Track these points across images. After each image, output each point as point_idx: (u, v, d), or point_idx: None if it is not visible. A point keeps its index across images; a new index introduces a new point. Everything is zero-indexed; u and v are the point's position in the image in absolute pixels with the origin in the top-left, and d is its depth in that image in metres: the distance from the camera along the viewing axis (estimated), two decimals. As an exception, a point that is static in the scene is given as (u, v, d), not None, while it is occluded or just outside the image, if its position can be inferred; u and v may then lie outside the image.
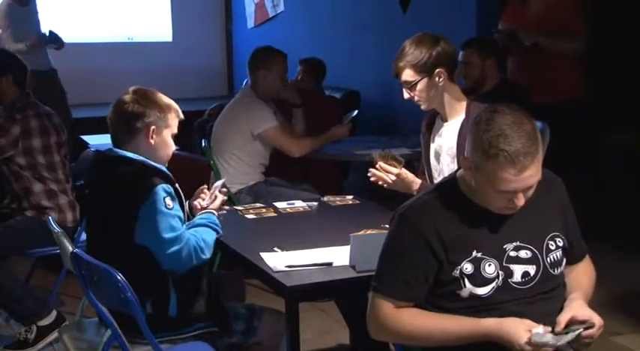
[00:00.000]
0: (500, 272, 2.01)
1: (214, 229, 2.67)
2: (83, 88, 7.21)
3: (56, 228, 2.65)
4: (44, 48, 6.39)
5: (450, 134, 2.94)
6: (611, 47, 5.49)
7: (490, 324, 1.94)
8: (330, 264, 2.46)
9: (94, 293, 2.47)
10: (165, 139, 2.62)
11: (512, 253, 2.03)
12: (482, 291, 2.00)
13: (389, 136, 4.62)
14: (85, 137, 5.73)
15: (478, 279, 2.00)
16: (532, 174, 1.93)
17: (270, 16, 8.35)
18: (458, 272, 1.99)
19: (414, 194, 2.96)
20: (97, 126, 6.55)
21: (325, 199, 3.40)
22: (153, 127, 2.57)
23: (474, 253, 2.00)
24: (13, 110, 3.68)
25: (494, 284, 2.00)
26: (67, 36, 6.51)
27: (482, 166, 1.93)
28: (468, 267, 1.99)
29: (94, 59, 7.71)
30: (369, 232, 2.67)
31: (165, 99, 2.63)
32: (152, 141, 2.58)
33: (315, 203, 3.33)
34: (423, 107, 2.96)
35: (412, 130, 4.66)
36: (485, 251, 2.01)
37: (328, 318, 3.87)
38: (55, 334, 3.54)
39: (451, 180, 2.13)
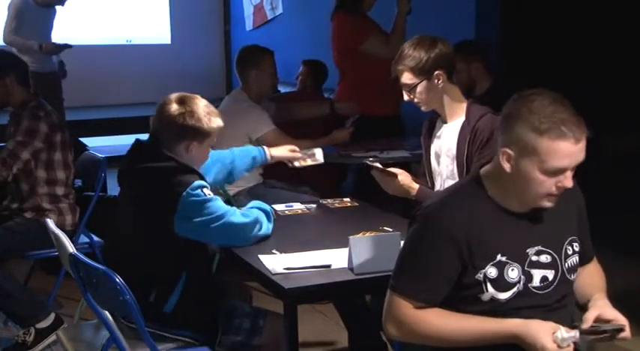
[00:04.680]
0: (522, 277, 1.98)
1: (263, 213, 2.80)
2: (82, 90, 7.21)
3: (55, 230, 2.65)
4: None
5: (449, 136, 2.95)
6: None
7: (514, 324, 1.91)
8: (328, 266, 2.46)
9: (92, 295, 2.47)
10: (204, 150, 2.70)
11: (534, 258, 2.00)
12: (504, 296, 1.97)
13: (388, 139, 4.62)
14: (83, 139, 5.72)
15: (501, 284, 1.97)
16: (583, 147, 1.89)
17: (269, 18, 8.35)
18: (482, 276, 1.96)
19: (413, 199, 2.97)
20: (96, 128, 6.57)
21: (324, 201, 3.40)
22: (195, 142, 2.64)
23: (499, 257, 1.97)
24: (33, 109, 3.68)
25: (515, 289, 1.98)
26: (66, 39, 6.50)
27: (533, 147, 1.88)
28: (492, 271, 1.96)
29: (93, 62, 7.71)
30: (367, 234, 2.67)
31: (209, 114, 2.65)
32: (192, 154, 2.65)
33: (314, 205, 3.33)
34: (422, 109, 2.97)
35: (411, 133, 4.67)
36: (509, 255, 1.98)
37: (327, 320, 3.87)
38: (53, 337, 3.53)
39: (474, 180, 2.08)
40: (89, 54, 7.26)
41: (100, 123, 6.96)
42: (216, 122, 2.68)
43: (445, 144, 2.97)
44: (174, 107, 2.62)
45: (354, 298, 3.15)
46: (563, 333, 1.85)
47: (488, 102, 3.02)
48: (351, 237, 2.45)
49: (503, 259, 1.97)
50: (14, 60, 3.89)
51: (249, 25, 8.79)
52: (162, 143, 2.64)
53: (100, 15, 8.65)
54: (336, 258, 2.51)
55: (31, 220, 3.67)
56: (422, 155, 3.16)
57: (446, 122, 2.98)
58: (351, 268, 2.42)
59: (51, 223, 2.76)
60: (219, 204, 2.60)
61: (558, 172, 1.90)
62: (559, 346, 1.84)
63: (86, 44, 7.61)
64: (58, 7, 6.37)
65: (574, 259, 2.07)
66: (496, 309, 1.97)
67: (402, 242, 2.11)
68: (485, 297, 1.97)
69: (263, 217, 2.78)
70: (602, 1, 5.38)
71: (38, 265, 4.14)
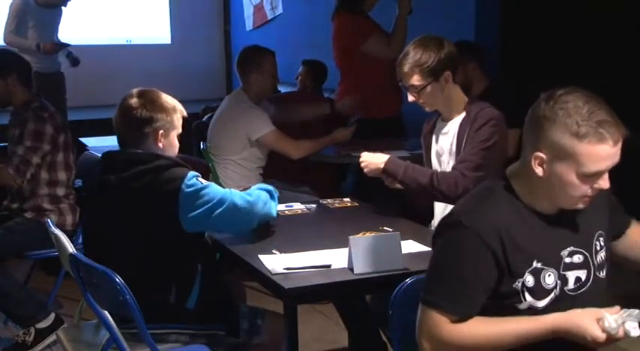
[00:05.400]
0: (558, 281, 1.92)
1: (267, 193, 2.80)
2: (82, 90, 7.20)
3: (55, 230, 2.65)
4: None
5: (450, 133, 2.96)
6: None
7: (554, 319, 1.83)
8: (328, 266, 2.46)
9: (92, 295, 2.47)
10: (172, 141, 2.68)
11: (568, 260, 1.94)
12: (542, 303, 1.91)
13: (388, 139, 4.62)
14: (83, 139, 5.72)
15: (539, 291, 1.90)
16: (620, 148, 1.83)
17: (269, 18, 8.35)
18: (519, 285, 1.89)
19: (387, 165, 2.96)
20: (96, 128, 6.57)
21: (324, 201, 3.40)
22: (161, 131, 2.62)
23: (535, 264, 1.90)
24: (36, 110, 3.68)
25: (552, 295, 1.91)
26: (66, 39, 6.50)
27: (569, 152, 1.81)
28: (529, 279, 1.89)
29: (93, 62, 7.69)
30: (367, 234, 2.67)
31: (169, 100, 2.67)
32: (160, 144, 2.63)
33: (314, 205, 3.33)
34: (427, 109, 2.98)
35: (411, 133, 4.67)
36: (545, 261, 1.91)
37: (327, 320, 3.88)
38: (53, 337, 3.54)
39: (502, 182, 1.98)
40: (89, 54, 7.23)
41: (100, 123, 6.95)
42: (179, 111, 2.68)
43: (446, 142, 2.98)
44: (134, 101, 2.62)
45: (354, 298, 3.15)
46: (611, 321, 1.77)
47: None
48: (351, 237, 2.45)
49: (539, 265, 1.90)
50: (16, 60, 3.89)
51: (249, 25, 8.79)
52: (132, 142, 2.62)
53: (100, 15, 8.64)
54: (336, 258, 2.51)
55: (31, 220, 3.67)
56: (422, 155, 3.16)
57: (447, 120, 2.98)
58: (351, 268, 2.42)
59: (51, 223, 2.76)
60: (217, 188, 2.60)
61: (596, 175, 1.84)
62: (609, 334, 1.77)
63: (86, 44, 7.60)
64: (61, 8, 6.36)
65: (602, 255, 2.01)
66: (532, 316, 1.89)
67: (430, 254, 2.00)
68: (523, 306, 1.90)
69: (265, 195, 2.78)
70: (602, 3, 5.38)
71: (38, 265, 4.14)
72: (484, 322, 1.90)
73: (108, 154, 2.69)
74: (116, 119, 2.66)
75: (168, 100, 2.67)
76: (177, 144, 2.71)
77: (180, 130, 2.70)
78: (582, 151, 1.80)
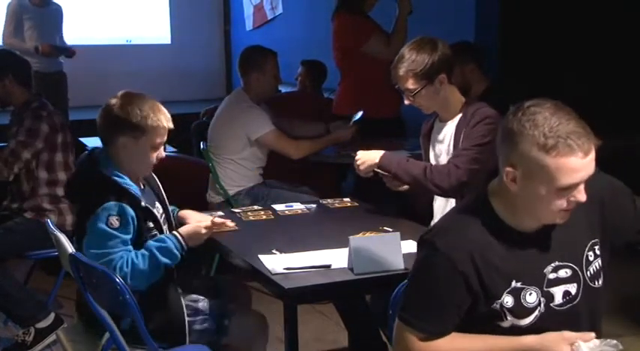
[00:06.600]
0: (541, 299, 1.88)
1: (163, 256, 2.49)
2: (82, 90, 7.19)
3: (54, 230, 2.65)
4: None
5: (448, 134, 2.96)
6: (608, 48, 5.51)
7: (529, 341, 1.84)
8: (328, 266, 2.46)
9: (92, 295, 2.47)
10: (141, 149, 2.57)
11: (552, 276, 1.89)
12: (525, 322, 1.87)
13: (389, 139, 4.62)
14: (83, 139, 5.72)
15: (519, 311, 1.87)
16: (593, 158, 1.75)
17: (269, 18, 8.35)
18: (498, 306, 1.86)
19: (381, 164, 2.97)
20: (96, 128, 6.58)
21: (324, 201, 3.40)
22: (128, 138, 2.55)
23: (513, 284, 1.86)
24: (35, 109, 3.69)
25: (536, 312, 1.87)
26: (66, 39, 6.50)
27: (540, 166, 1.74)
28: (508, 300, 1.85)
29: (93, 62, 7.71)
30: (367, 234, 2.67)
31: (146, 107, 2.55)
32: (127, 150, 2.57)
33: (314, 205, 3.33)
34: (424, 112, 2.98)
35: (411, 134, 4.67)
36: (525, 280, 1.87)
37: (327, 320, 3.88)
38: (53, 337, 3.54)
39: (481, 200, 1.92)
40: (89, 54, 7.25)
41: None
42: (155, 121, 2.53)
43: (445, 143, 2.98)
44: (113, 101, 2.58)
45: (354, 298, 3.15)
46: (584, 350, 1.78)
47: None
48: (351, 237, 2.45)
49: (519, 285, 1.86)
50: (12, 60, 3.89)
51: (249, 25, 8.79)
52: (104, 143, 2.61)
53: (100, 15, 8.64)
54: (336, 258, 2.51)
55: (31, 220, 3.67)
56: (422, 155, 3.17)
57: (445, 121, 2.99)
58: (351, 268, 2.42)
59: (51, 223, 2.76)
60: (112, 243, 2.43)
61: (570, 188, 1.77)
62: None
63: (86, 44, 7.61)
64: (62, 7, 6.34)
65: (596, 265, 1.94)
66: (519, 333, 1.87)
67: (410, 271, 1.99)
68: (506, 324, 1.87)
69: (146, 265, 2.47)
70: (602, 5, 5.38)
71: (38, 265, 4.14)
72: (458, 338, 1.89)
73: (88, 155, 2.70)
74: (97, 120, 2.63)
75: (145, 106, 2.54)
76: (148, 153, 2.57)
77: (156, 141, 2.56)
78: (551, 164, 1.74)
